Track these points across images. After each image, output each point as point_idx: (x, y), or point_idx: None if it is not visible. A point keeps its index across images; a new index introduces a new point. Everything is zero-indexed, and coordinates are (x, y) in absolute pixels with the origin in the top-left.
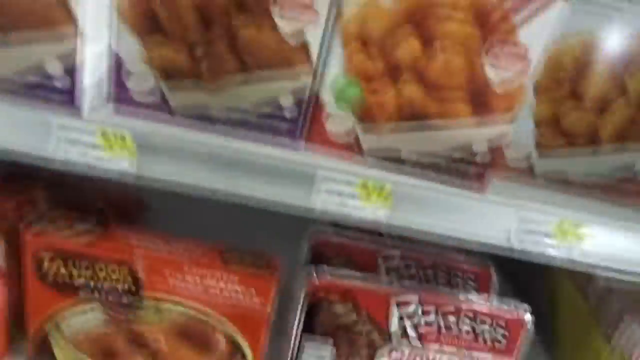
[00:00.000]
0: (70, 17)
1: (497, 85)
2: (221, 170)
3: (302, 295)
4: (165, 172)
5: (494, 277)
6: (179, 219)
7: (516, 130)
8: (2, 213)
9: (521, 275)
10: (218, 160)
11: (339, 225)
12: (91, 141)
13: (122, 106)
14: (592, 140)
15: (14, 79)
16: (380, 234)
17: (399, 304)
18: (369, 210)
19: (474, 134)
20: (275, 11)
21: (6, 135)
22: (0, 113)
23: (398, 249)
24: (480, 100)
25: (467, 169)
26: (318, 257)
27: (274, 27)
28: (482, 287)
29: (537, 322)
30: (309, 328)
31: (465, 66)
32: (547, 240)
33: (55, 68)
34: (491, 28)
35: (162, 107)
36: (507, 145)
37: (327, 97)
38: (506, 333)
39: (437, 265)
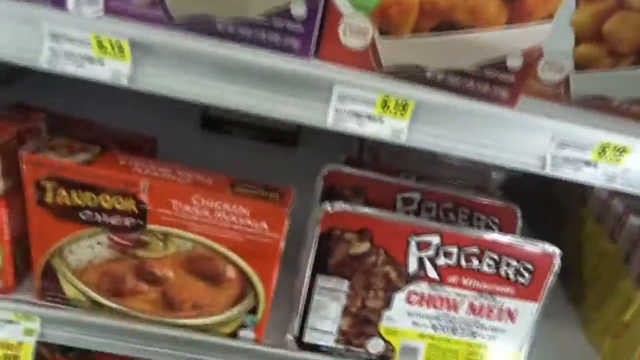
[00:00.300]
0: None
1: None
2: (227, 80)
3: (316, 228)
4: (164, 81)
5: (519, 219)
6: (191, 159)
7: (553, 43)
8: (1, 141)
9: (548, 221)
10: (225, 69)
11: (356, 165)
12: (85, 51)
13: (119, 15)
14: (636, 54)
15: None
16: (399, 173)
17: (418, 241)
18: (387, 124)
19: (506, 45)
20: None
21: None
22: None
23: (417, 191)
24: (515, 3)
25: (497, 83)
26: (333, 194)
27: None
28: (506, 229)
29: (564, 270)
30: (324, 265)
31: None
32: (584, 164)
33: None
34: None
35: (163, 19)
36: (542, 60)
37: (342, 2)
38: (532, 272)
39: (459, 207)
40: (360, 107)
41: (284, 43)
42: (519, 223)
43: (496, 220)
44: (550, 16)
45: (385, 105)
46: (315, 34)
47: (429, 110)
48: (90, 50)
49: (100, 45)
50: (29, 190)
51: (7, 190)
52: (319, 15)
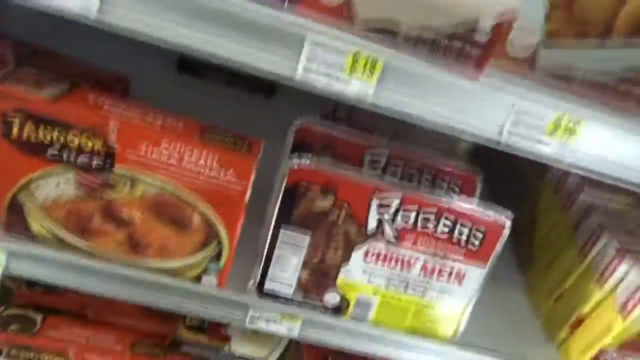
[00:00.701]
0: None
1: None
2: (197, 23)
3: (282, 180)
4: (131, 16)
5: (479, 186)
6: (164, 103)
7: (524, 12)
8: None
9: (509, 188)
10: (197, 12)
11: (330, 119)
12: None
13: None
14: (604, 31)
15: None
16: (371, 132)
17: (380, 200)
18: (354, 84)
19: (481, 5)
20: None
21: None
22: None
23: (387, 148)
24: None
25: (466, 50)
26: (303, 149)
27: None
28: (466, 194)
29: (517, 236)
30: (287, 218)
31: None
32: (540, 137)
33: None
34: None
35: None
36: (514, 27)
37: None
38: (483, 237)
39: (424, 168)
40: (330, 63)
41: None
42: (479, 189)
43: (458, 183)
44: None
45: (354, 61)
46: None
47: (396, 72)
48: None
49: None
50: None
51: None
52: None
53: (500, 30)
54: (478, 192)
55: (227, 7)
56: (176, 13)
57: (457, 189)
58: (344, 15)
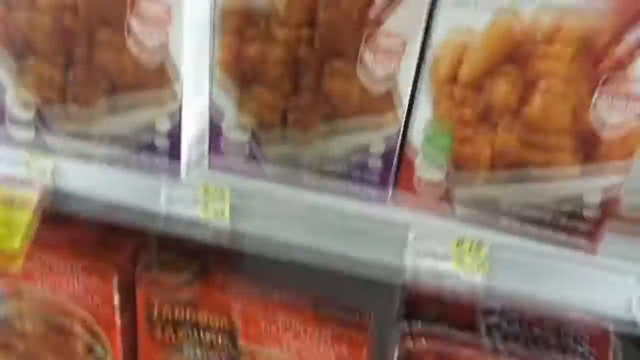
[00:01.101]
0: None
1: (608, 130)
2: (309, 231)
3: (394, 349)
4: (256, 230)
5: (614, 342)
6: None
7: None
8: (119, 260)
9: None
10: (306, 220)
11: None
12: (193, 196)
13: (217, 162)
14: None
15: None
16: None
17: None
18: (464, 275)
19: (583, 184)
20: (366, 56)
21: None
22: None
23: (504, 315)
24: (590, 147)
25: (576, 225)
26: (411, 307)
27: (361, 74)
28: (600, 354)
29: None
30: None
31: (570, 109)
32: None
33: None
34: (600, 64)
35: (254, 159)
36: (626, 194)
37: (417, 145)
38: None
39: (545, 324)
40: (437, 251)
41: (363, 178)
42: (613, 346)
43: (588, 342)
44: (629, 155)
45: (459, 250)
46: (393, 170)
47: (506, 261)
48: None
49: (206, 191)
50: (141, 311)
51: (122, 306)
52: (395, 154)
53: (611, 202)
54: (613, 350)
55: (338, 217)
56: (293, 226)
57: (587, 348)
58: (444, 199)
